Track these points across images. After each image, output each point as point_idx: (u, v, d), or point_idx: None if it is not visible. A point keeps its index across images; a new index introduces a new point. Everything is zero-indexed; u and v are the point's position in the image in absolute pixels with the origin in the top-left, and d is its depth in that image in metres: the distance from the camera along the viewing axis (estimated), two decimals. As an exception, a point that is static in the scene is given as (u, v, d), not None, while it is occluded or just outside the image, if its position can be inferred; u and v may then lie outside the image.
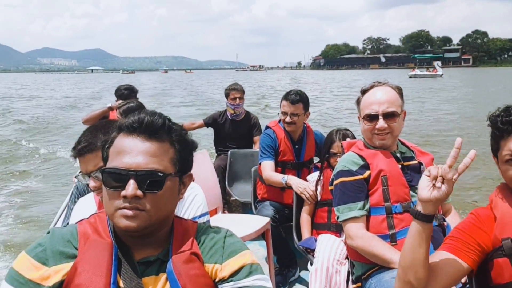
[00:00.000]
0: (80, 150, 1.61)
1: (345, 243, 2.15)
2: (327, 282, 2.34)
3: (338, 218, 2.07)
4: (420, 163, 2.13)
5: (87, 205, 1.79)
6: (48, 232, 1.11)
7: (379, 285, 1.90)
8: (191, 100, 27.58)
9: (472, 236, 1.44)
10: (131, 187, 1.02)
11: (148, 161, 1.05)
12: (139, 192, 1.03)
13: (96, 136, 1.61)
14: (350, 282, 2.28)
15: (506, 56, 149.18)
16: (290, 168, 3.26)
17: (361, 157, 2.07)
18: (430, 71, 62.49)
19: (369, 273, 2.01)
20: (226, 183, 4.20)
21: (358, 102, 2.16)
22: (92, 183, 1.59)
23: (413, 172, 2.08)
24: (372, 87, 2.12)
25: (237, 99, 4.58)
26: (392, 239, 1.95)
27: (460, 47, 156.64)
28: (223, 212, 3.65)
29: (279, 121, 3.33)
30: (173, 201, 1.13)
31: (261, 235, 2.88)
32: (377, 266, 1.98)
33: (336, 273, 2.38)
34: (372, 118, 2.04)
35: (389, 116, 2.03)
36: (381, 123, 2.02)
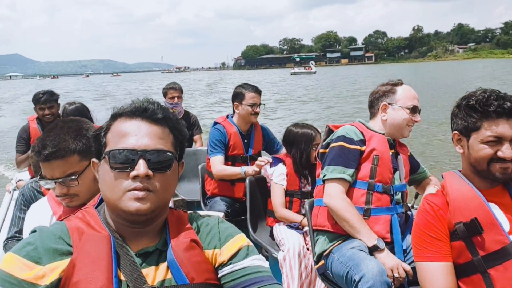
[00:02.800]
0: (48, 156, 1.41)
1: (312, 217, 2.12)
2: (300, 266, 2.33)
3: (324, 176, 2.04)
4: (397, 153, 2.16)
5: (42, 211, 1.63)
6: (34, 231, 1.01)
7: (342, 256, 1.91)
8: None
9: (438, 232, 1.47)
10: (142, 166, 0.97)
11: (155, 142, 1.02)
12: (150, 172, 0.99)
13: (66, 140, 1.42)
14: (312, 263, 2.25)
15: (403, 53, 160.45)
16: (240, 161, 3.17)
17: (361, 133, 2.09)
18: (306, 69, 71.08)
19: (330, 249, 2.01)
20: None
21: (387, 92, 2.14)
22: (58, 190, 1.44)
23: (395, 160, 2.13)
24: (399, 82, 2.17)
25: (176, 98, 4.40)
26: (366, 213, 2.00)
27: (364, 46, 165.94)
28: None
29: (227, 116, 3.24)
30: (175, 185, 1.09)
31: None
32: (339, 240, 1.99)
33: (305, 257, 2.37)
34: (415, 110, 2.10)
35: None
36: (419, 117, 2.12)
